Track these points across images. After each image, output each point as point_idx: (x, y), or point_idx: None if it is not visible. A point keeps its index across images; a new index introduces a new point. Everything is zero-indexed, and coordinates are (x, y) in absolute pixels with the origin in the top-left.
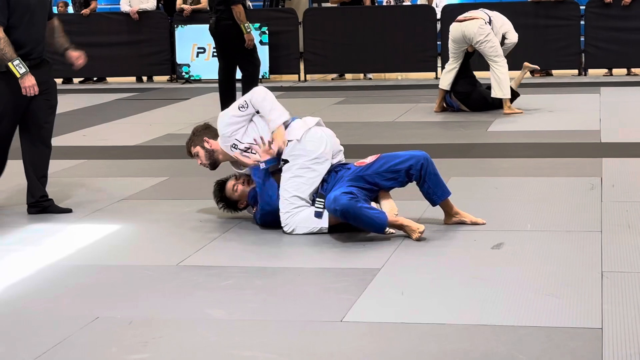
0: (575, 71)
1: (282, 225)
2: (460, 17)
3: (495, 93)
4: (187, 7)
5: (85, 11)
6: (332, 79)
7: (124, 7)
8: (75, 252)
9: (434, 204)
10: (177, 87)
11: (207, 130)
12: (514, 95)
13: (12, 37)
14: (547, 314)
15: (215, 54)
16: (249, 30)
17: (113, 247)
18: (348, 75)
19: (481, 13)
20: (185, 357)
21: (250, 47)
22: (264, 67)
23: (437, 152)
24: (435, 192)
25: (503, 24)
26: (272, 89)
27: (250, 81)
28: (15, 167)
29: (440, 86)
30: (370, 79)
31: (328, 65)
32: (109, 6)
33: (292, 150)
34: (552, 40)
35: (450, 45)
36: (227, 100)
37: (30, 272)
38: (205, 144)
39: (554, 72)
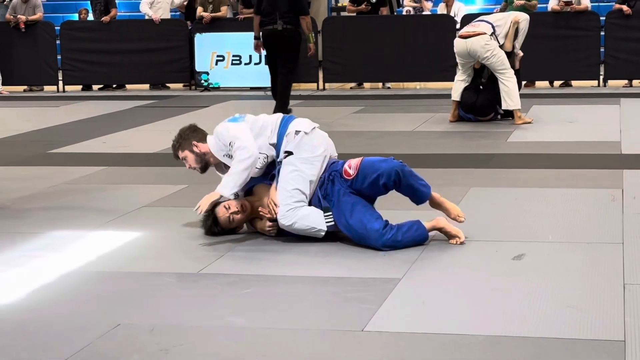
0: (595, 82)
1: (279, 217)
2: (463, 33)
3: (505, 104)
4: (207, 15)
5: (106, 18)
6: (351, 88)
7: (144, 7)
8: (96, 259)
9: (417, 203)
10: (196, 95)
11: (195, 133)
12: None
13: None
14: (568, 326)
15: (236, 62)
16: (313, 40)
17: (134, 254)
18: (367, 84)
19: (484, 26)
20: None
21: (311, 55)
22: None
23: (456, 162)
24: (414, 199)
25: (506, 22)
26: (291, 97)
27: (287, 86)
28: (35, 171)
29: (452, 98)
30: (388, 88)
31: (347, 74)
32: (129, 13)
33: (300, 142)
34: (571, 51)
35: (457, 58)
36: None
37: (52, 279)
38: (195, 149)
39: (573, 83)
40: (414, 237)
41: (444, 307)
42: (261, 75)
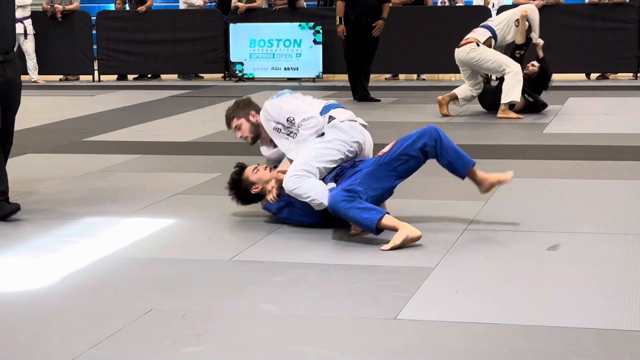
0: (632, 74)
1: (285, 180)
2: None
3: (503, 97)
4: (242, 5)
5: (141, 8)
6: (386, 79)
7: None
8: (129, 245)
9: (461, 177)
10: (230, 85)
11: (252, 105)
12: (542, 104)
13: None
14: (604, 316)
15: (271, 52)
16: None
17: (167, 240)
18: (401, 76)
19: (480, 32)
20: (237, 351)
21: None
22: (318, 66)
23: (491, 153)
24: (457, 166)
25: (509, 22)
26: (325, 88)
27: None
28: (70, 159)
29: (454, 90)
30: (423, 79)
31: (381, 65)
32: (165, 4)
33: (332, 127)
34: (608, 43)
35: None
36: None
37: (85, 264)
38: (251, 117)
39: (610, 75)
40: (358, 218)
41: (478, 297)
42: (295, 66)
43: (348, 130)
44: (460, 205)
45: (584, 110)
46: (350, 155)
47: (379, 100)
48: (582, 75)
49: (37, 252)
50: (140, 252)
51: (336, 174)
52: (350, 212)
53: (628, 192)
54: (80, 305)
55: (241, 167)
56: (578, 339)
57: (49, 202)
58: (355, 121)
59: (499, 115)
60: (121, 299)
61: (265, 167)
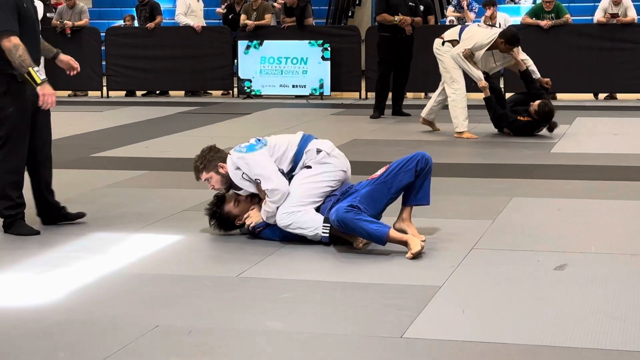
0: (639, 95)
1: (278, 219)
2: None
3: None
4: (251, 23)
5: (150, 25)
6: None
7: (180, 18)
8: (137, 261)
9: (407, 203)
10: (238, 102)
11: (219, 154)
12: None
13: None
14: (612, 337)
15: (279, 69)
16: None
17: (174, 257)
18: (409, 94)
19: (448, 32)
20: None
21: None
22: (326, 83)
23: (499, 172)
24: (418, 194)
25: (470, 36)
26: (332, 106)
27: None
28: (78, 174)
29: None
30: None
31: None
32: (174, 20)
33: (322, 160)
34: (617, 63)
35: None
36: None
37: (92, 280)
38: (221, 170)
39: (618, 95)
40: (368, 230)
41: (484, 316)
42: (303, 83)
43: (334, 161)
44: (467, 224)
45: (592, 130)
46: (337, 184)
47: (409, 115)
48: (590, 95)
49: (45, 268)
50: (147, 268)
51: (332, 203)
52: (360, 224)
53: (636, 212)
54: (87, 321)
55: (219, 198)
56: None
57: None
58: (335, 149)
59: (455, 135)
60: (127, 315)
61: (246, 197)
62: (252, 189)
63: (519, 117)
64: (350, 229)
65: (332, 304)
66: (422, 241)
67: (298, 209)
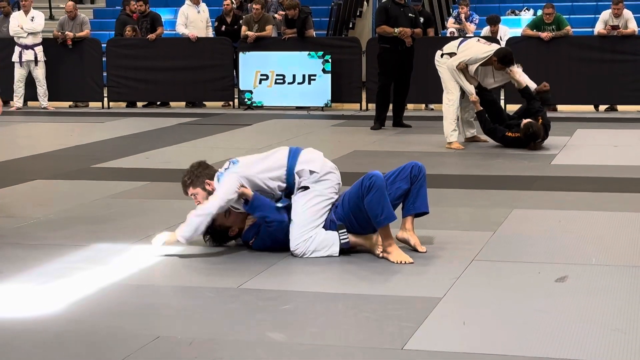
0: None
1: (293, 249)
2: None
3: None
4: (252, 34)
5: (151, 36)
6: None
7: (180, 28)
8: (138, 272)
9: (407, 212)
10: (239, 113)
11: (207, 170)
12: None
13: None
14: (613, 349)
15: (280, 81)
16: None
17: (174, 268)
18: (410, 105)
19: (448, 44)
20: None
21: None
22: (326, 95)
23: (499, 184)
24: (416, 202)
25: (467, 49)
26: (333, 117)
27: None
28: (78, 185)
29: None
30: (432, 109)
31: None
32: (175, 32)
33: (319, 178)
34: (617, 75)
35: None
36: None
37: (93, 291)
38: (207, 187)
39: (619, 107)
40: (384, 207)
41: (485, 328)
42: (304, 95)
43: (331, 177)
44: (468, 235)
45: (593, 142)
46: (336, 196)
47: (410, 126)
48: (591, 107)
49: (46, 278)
50: (148, 279)
51: (332, 213)
52: (385, 198)
53: (637, 224)
54: (88, 332)
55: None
56: None
57: (57, 228)
58: (325, 161)
59: (446, 146)
60: (128, 326)
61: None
62: (238, 204)
63: (507, 133)
64: (376, 196)
65: (332, 315)
66: (423, 252)
67: (309, 234)
